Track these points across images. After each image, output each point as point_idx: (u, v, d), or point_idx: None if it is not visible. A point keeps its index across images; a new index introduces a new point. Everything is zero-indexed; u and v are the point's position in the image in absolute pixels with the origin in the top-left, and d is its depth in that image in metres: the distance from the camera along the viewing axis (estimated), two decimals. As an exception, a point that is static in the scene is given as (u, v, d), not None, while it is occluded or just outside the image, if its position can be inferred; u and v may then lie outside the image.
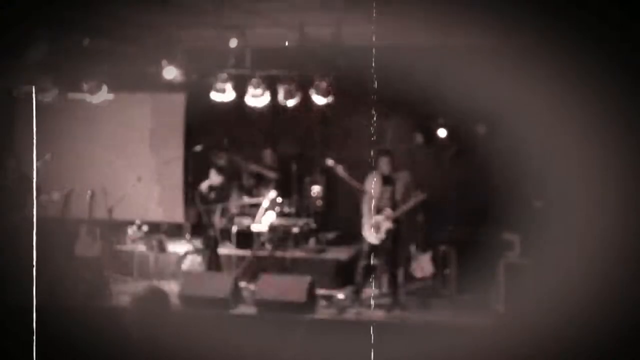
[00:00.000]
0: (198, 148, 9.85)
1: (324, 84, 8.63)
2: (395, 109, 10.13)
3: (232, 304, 7.74)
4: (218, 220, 9.00)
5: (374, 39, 8.65)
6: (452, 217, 8.95)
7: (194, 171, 9.86)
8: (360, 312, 7.71)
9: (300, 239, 9.50)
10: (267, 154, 10.35)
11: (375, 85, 9.82)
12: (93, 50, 8.21)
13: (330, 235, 9.93)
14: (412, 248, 8.77)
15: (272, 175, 10.08)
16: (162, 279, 8.63)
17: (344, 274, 8.80)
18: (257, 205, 9.38)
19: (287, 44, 8.27)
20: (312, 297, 7.77)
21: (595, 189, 7.02)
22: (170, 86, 8.95)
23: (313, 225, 9.75)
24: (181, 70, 8.42)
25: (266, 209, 9.29)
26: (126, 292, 8.05)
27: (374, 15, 7.31)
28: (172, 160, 10.26)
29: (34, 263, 6.99)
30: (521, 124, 8.51)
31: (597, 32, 6.60)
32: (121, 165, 10.08)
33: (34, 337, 6.15)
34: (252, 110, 9.16)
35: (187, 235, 9.78)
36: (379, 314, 7.65)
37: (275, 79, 8.82)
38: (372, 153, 8.25)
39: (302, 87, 8.78)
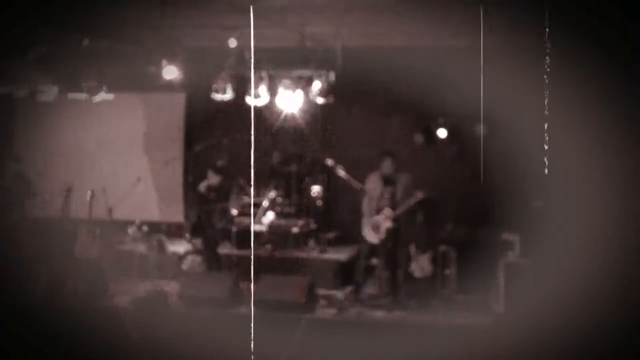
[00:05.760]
0: (198, 148, 9.86)
1: (324, 84, 8.63)
2: (395, 109, 10.14)
3: (232, 304, 7.75)
4: (218, 220, 8.99)
5: (373, 39, 8.67)
6: (452, 217, 8.95)
7: (193, 171, 9.86)
8: (360, 312, 7.71)
9: (300, 239, 9.51)
10: (275, 156, 10.35)
11: (375, 85, 9.84)
12: (93, 50, 8.20)
13: (330, 235, 9.94)
14: (412, 248, 8.77)
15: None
16: (162, 279, 8.63)
17: (344, 274, 8.80)
18: (257, 205, 9.38)
19: (287, 44, 8.29)
20: (312, 297, 7.77)
21: (595, 189, 7.02)
22: (170, 86, 8.95)
23: (313, 225, 9.75)
24: (181, 70, 8.43)
25: (266, 209, 9.29)
26: (126, 292, 8.05)
27: (374, 15, 7.31)
28: (172, 160, 10.27)
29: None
30: (521, 124, 8.51)
31: (597, 32, 6.59)
32: (121, 165, 10.09)
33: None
34: (252, 110, 9.16)
35: (187, 235, 9.78)
36: (379, 314, 7.66)
37: (275, 79, 8.82)
38: (372, 153, 8.27)
39: (302, 87, 8.78)
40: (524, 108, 8.35)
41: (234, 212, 9.54)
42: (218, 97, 8.88)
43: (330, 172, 9.21)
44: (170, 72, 8.46)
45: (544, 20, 6.73)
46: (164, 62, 8.43)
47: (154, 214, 10.21)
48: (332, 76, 8.62)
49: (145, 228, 9.45)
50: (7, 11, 6.51)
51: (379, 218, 7.90)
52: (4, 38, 7.31)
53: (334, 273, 8.91)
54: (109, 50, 8.48)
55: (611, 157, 6.88)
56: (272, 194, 9.44)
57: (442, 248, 8.57)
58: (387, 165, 7.99)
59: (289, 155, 10.42)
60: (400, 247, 8.18)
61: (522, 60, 7.89)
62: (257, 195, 9.77)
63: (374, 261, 8.31)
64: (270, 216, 9.30)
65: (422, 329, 7.20)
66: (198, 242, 9.29)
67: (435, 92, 9.39)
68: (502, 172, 9.11)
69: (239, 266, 8.93)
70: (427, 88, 9.47)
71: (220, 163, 9.82)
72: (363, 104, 10.19)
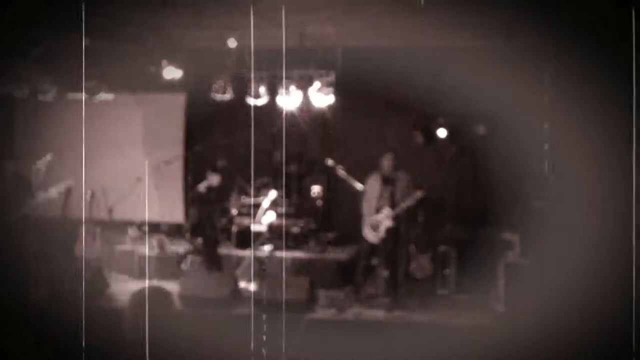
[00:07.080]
0: (198, 148, 9.86)
1: (324, 84, 8.63)
2: (395, 109, 10.14)
3: (232, 304, 7.75)
4: (218, 220, 8.99)
5: (373, 39, 8.67)
6: (452, 217, 8.95)
7: (194, 171, 9.86)
8: (360, 312, 7.71)
9: (300, 239, 9.51)
10: (277, 155, 10.34)
11: (375, 85, 9.84)
12: (93, 50, 8.20)
13: (330, 235, 9.94)
14: (412, 248, 8.76)
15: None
16: (162, 279, 8.62)
17: (344, 274, 8.80)
18: (257, 205, 9.38)
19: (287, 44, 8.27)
20: (312, 297, 7.77)
21: (596, 189, 7.02)
22: (170, 86, 8.95)
23: (313, 225, 9.75)
24: (181, 70, 8.44)
25: (266, 209, 9.29)
26: (126, 292, 8.05)
27: (374, 15, 7.31)
28: (172, 160, 10.26)
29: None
30: (521, 124, 8.52)
31: (597, 32, 6.60)
32: (121, 165, 10.08)
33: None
34: (252, 110, 9.16)
35: (187, 235, 9.78)
36: (379, 314, 7.65)
37: (275, 79, 8.82)
38: (372, 153, 8.26)
39: (302, 87, 8.78)
40: (524, 108, 8.36)
41: (234, 212, 9.54)
42: (218, 97, 8.88)
43: (330, 172, 9.21)
44: (170, 72, 8.47)
45: (545, 20, 6.74)
46: (164, 62, 8.43)
47: (154, 214, 10.21)
48: (332, 76, 8.62)
49: (145, 228, 9.45)
50: (7, 11, 6.51)
51: (379, 217, 7.90)
52: (4, 38, 7.31)
53: (334, 273, 8.91)
54: (109, 50, 8.48)
55: (611, 157, 6.88)
56: (273, 193, 9.44)
57: (442, 248, 8.57)
58: (386, 165, 7.99)
59: (289, 155, 10.42)
60: (400, 247, 8.17)
61: (522, 60, 7.90)
62: (257, 195, 9.78)
63: (374, 261, 8.31)
64: (270, 216, 9.31)
65: (422, 329, 7.20)
66: (198, 242, 9.28)
67: (435, 92, 9.40)
68: (502, 172, 9.12)
69: (239, 266, 8.94)
70: (427, 88, 9.47)
71: (220, 163, 9.82)
72: (363, 104, 10.19)
